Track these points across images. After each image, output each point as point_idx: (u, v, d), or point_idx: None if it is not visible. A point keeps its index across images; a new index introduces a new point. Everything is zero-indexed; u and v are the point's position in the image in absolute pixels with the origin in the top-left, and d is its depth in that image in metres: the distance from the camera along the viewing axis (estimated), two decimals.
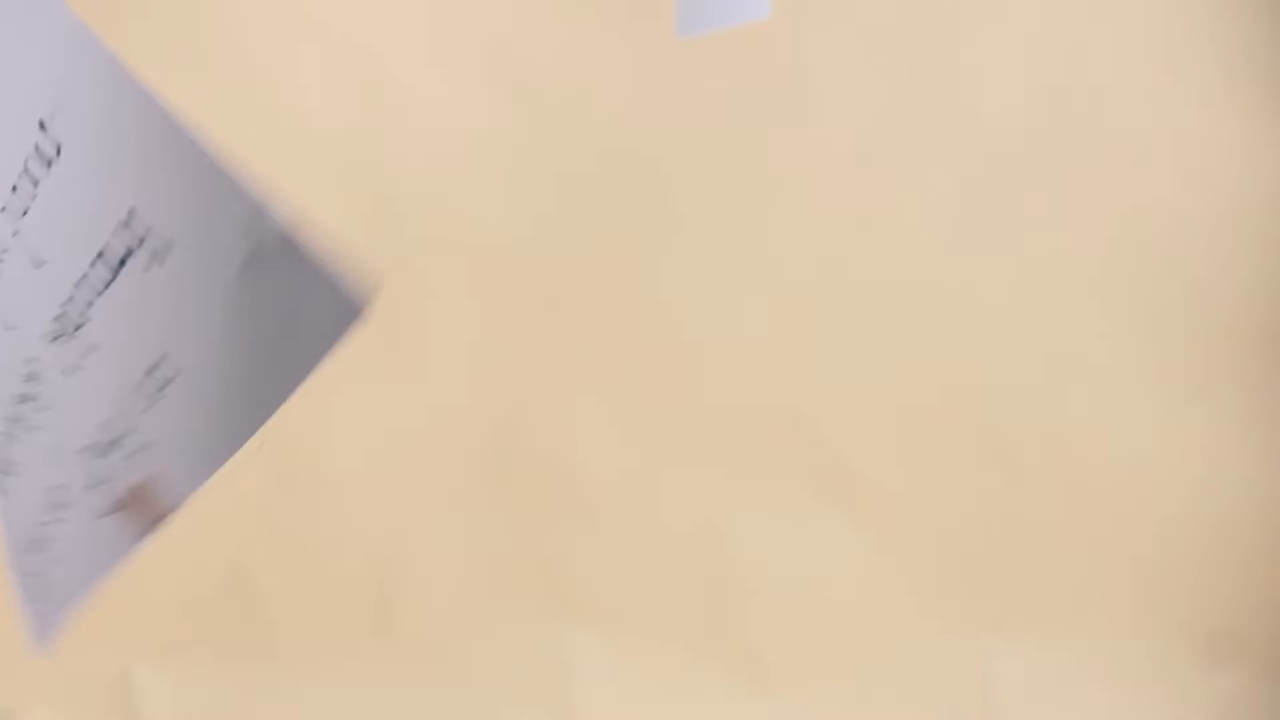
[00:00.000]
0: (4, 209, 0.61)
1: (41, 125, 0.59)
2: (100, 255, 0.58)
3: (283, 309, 0.55)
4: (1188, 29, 1.29)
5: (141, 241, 0.57)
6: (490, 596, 1.34)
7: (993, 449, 1.32)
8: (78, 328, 0.61)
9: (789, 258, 1.33)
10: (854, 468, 1.33)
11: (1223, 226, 1.30)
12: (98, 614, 1.34)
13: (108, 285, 0.59)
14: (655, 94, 1.32)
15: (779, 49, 1.32)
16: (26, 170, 0.60)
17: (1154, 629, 1.31)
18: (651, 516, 1.34)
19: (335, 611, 1.35)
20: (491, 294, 1.34)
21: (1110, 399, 1.31)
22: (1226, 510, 1.31)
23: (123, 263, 0.58)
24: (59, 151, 0.59)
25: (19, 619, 1.37)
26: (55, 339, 0.62)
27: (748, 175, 1.32)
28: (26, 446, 0.67)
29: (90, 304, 0.60)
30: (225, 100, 1.34)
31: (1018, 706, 1.30)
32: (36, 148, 0.59)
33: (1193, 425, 1.30)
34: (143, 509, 0.63)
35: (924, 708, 1.31)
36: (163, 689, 1.34)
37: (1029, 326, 1.31)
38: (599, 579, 1.34)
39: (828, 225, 1.32)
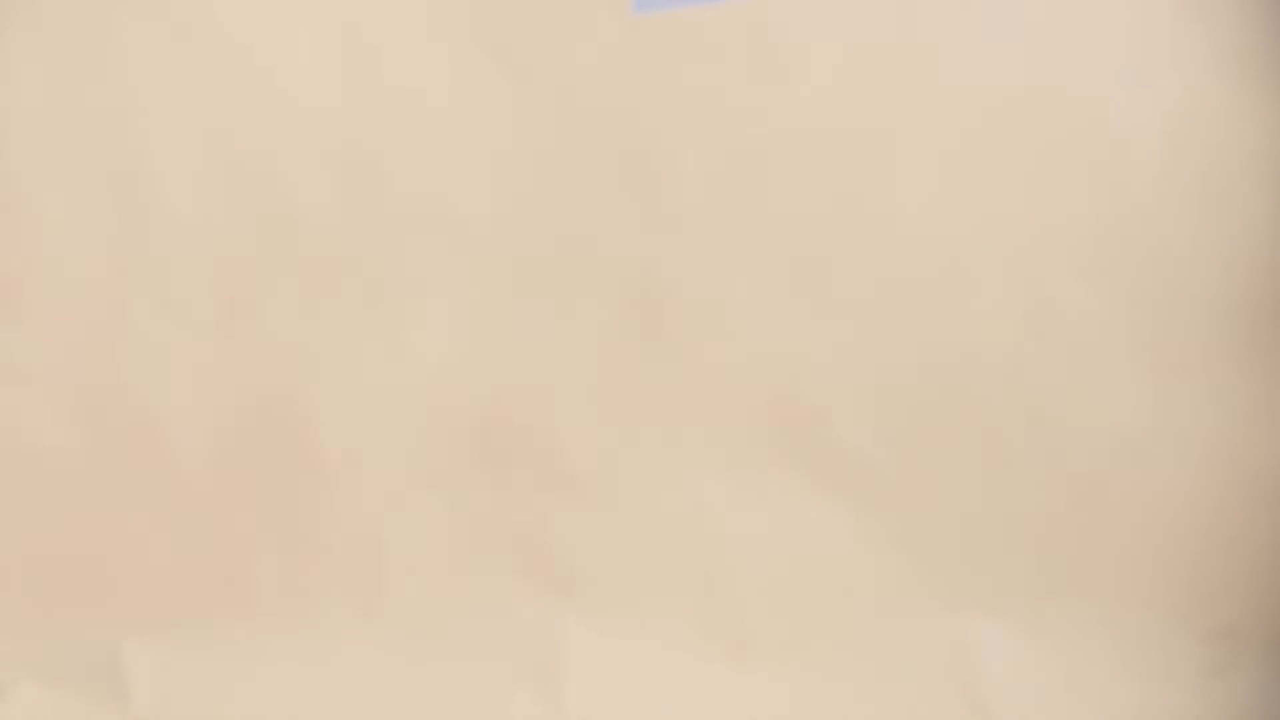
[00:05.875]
0: None
1: None
2: None
3: None
4: (1171, 1, 1.29)
5: None
6: (476, 574, 1.35)
7: (979, 426, 1.32)
8: None
9: (775, 236, 1.33)
10: (840, 445, 1.33)
11: (1206, 201, 1.30)
12: (87, 588, 1.35)
13: None
14: (641, 70, 1.32)
15: (764, 25, 1.32)
16: None
17: (1143, 607, 1.31)
18: (637, 494, 1.34)
19: (323, 588, 1.35)
20: (477, 271, 1.34)
21: (1097, 376, 1.31)
22: (1217, 489, 1.31)
23: None
24: None
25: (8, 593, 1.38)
26: None
27: (733, 153, 1.32)
28: None
29: None
30: (211, 77, 1.34)
31: (1003, 684, 1.31)
32: None
33: (1181, 404, 1.31)
34: None
35: (909, 686, 1.31)
36: (152, 663, 1.34)
37: (1014, 304, 1.31)
38: (585, 556, 1.34)
39: (812, 203, 1.32)
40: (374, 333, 1.34)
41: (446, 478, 1.35)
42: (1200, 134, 1.29)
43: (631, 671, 1.33)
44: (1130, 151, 1.30)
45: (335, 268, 1.34)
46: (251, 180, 1.34)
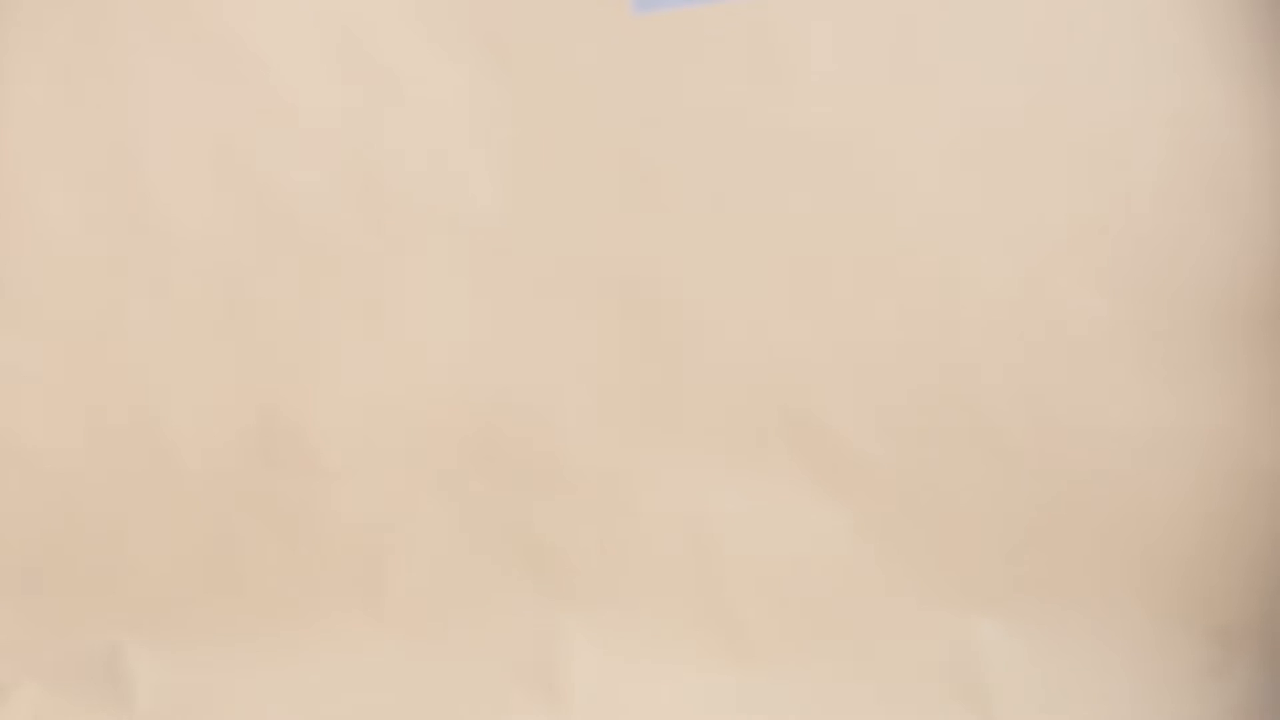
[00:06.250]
0: None
1: None
2: None
3: None
4: (1174, 5, 1.29)
5: None
6: (476, 574, 1.35)
7: (979, 426, 1.32)
8: None
9: (776, 238, 1.33)
10: (841, 446, 1.33)
11: (1208, 203, 1.30)
12: (88, 589, 1.36)
13: None
14: (641, 70, 1.32)
15: (764, 25, 1.31)
16: None
17: (1142, 607, 1.31)
18: (638, 495, 1.34)
19: (324, 589, 1.35)
20: (478, 272, 1.34)
21: (1098, 377, 1.31)
22: (1216, 490, 1.31)
23: None
24: None
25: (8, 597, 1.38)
26: None
27: (732, 153, 1.32)
28: None
29: None
30: (211, 78, 1.34)
31: (1003, 684, 1.31)
32: None
33: (1182, 404, 1.31)
34: None
35: (909, 686, 1.31)
36: (154, 664, 1.34)
37: (1014, 304, 1.31)
38: (585, 557, 1.35)
39: (811, 203, 1.32)
40: (374, 333, 1.34)
41: (447, 478, 1.35)
42: (1202, 136, 1.29)
43: (631, 671, 1.33)
44: (1132, 154, 1.29)
45: (335, 269, 1.34)
46: (252, 181, 1.34)
